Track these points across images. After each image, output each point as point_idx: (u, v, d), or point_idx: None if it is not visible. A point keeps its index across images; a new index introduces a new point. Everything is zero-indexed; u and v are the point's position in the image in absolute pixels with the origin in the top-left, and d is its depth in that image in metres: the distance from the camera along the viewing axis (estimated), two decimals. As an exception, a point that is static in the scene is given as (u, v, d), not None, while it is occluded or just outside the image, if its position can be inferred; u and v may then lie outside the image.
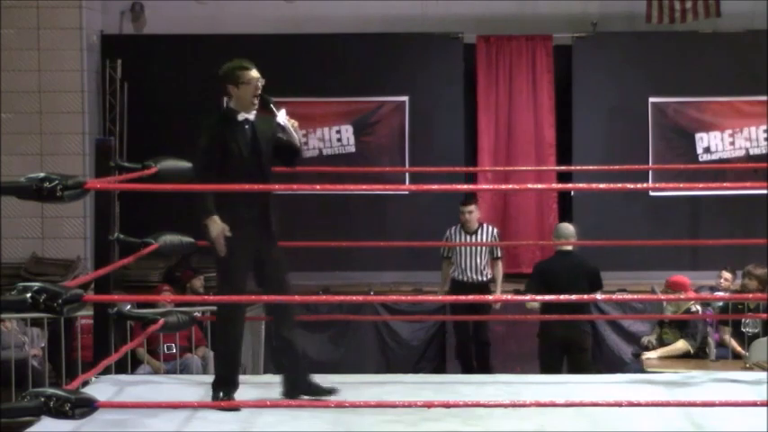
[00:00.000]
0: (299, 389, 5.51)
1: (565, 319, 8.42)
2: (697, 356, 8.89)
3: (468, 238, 10.11)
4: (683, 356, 8.88)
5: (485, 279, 10.15)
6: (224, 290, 5.50)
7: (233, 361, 5.55)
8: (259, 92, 5.50)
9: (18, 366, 8.88)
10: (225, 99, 5.61)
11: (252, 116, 5.53)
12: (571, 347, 9.00)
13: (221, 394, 5.39)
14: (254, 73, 5.51)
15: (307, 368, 5.62)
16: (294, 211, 11.63)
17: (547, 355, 9.15)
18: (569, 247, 9.03)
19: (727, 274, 10.29)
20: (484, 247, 10.17)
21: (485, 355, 10.30)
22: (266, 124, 5.56)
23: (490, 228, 10.27)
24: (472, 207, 10.11)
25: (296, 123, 5.56)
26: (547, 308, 8.70)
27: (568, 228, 9.19)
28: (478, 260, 10.14)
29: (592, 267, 9.10)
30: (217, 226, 5.34)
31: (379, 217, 12.13)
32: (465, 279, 10.13)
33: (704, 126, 12.29)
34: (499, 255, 10.25)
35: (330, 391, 5.51)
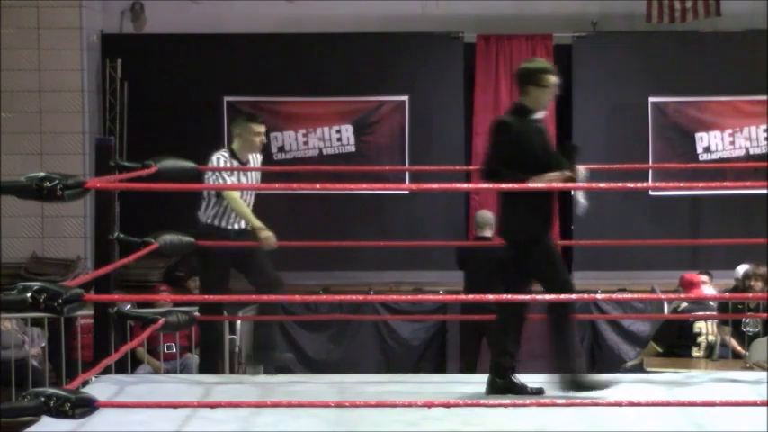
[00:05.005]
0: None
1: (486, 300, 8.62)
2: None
3: None
4: (684, 356, 8.88)
5: None
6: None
7: None
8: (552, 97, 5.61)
9: (18, 366, 8.88)
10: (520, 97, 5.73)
11: (541, 116, 5.66)
12: (487, 327, 9.18)
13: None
14: (554, 78, 5.66)
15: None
16: (294, 210, 11.65)
17: (467, 337, 9.47)
18: (489, 234, 9.32)
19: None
20: None
21: None
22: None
23: None
24: None
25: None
26: (469, 290, 9.14)
27: (488, 214, 9.49)
28: None
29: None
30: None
31: (379, 217, 12.12)
32: None
33: (704, 126, 12.28)
34: None
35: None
